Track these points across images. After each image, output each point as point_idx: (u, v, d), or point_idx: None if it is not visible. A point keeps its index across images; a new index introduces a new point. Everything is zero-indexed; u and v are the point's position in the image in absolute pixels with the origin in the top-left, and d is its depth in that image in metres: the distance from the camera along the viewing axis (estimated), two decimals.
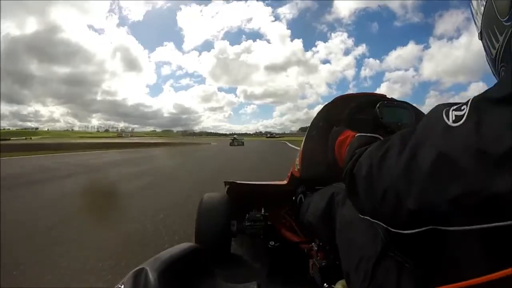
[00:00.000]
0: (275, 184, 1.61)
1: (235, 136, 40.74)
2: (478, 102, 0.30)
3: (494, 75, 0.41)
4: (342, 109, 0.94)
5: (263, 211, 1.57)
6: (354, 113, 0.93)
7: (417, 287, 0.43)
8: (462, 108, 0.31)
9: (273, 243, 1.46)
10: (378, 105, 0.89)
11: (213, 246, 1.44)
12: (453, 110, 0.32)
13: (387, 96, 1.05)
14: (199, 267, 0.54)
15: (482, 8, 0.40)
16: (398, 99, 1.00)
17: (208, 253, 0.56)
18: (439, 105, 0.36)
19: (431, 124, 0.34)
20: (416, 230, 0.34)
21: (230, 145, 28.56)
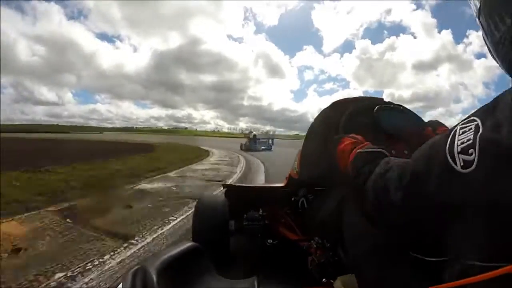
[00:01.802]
0: (272, 186, 1.63)
1: (254, 133, 19.39)
2: (487, 148, 0.28)
3: (494, 58, 0.39)
4: (341, 113, 0.95)
5: (260, 211, 1.60)
6: (352, 117, 0.94)
7: (421, 283, 0.44)
8: (470, 151, 0.29)
9: (271, 241, 1.48)
10: (376, 109, 0.90)
11: (211, 245, 1.44)
12: (459, 153, 0.30)
13: (385, 100, 1.07)
14: (198, 265, 0.54)
15: None
16: (395, 103, 1.01)
17: (207, 252, 0.57)
18: (437, 140, 0.34)
19: (435, 167, 0.32)
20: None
21: (242, 149, 16.13)
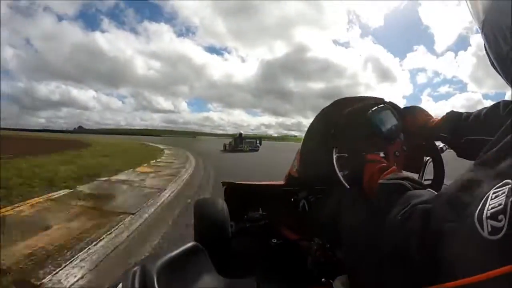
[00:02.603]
0: (273, 184, 1.64)
1: (240, 132, 19.83)
2: None
3: (498, 73, 0.38)
4: (340, 112, 0.96)
5: (261, 210, 1.61)
6: (352, 116, 0.95)
7: (419, 283, 0.44)
8: (500, 218, 0.27)
9: (272, 240, 1.49)
10: (369, 113, 0.91)
11: (212, 245, 1.45)
12: (487, 218, 0.28)
13: (384, 99, 1.07)
14: (199, 265, 0.54)
15: None
16: (394, 103, 1.01)
17: (208, 251, 0.57)
18: (471, 201, 0.32)
19: (462, 231, 0.31)
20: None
21: (226, 149, 15.92)
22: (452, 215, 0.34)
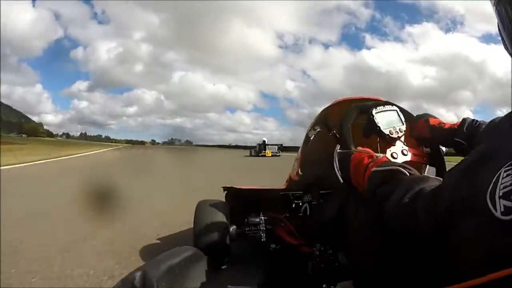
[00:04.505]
0: (273, 189, 1.63)
1: (264, 139, 23.44)
2: None
3: (508, 51, 0.37)
4: (340, 114, 0.96)
5: (261, 215, 1.59)
6: (354, 112, 0.94)
7: (421, 286, 0.44)
8: None
9: (272, 245, 1.48)
10: (372, 112, 0.91)
11: (212, 251, 1.44)
12: (500, 197, 0.28)
13: (382, 99, 1.07)
14: (198, 270, 0.54)
15: None
16: (392, 102, 1.01)
17: (208, 257, 0.56)
18: (480, 178, 0.32)
19: (474, 209, 0.31)
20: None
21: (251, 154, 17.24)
22: (464, 192, 0.33)
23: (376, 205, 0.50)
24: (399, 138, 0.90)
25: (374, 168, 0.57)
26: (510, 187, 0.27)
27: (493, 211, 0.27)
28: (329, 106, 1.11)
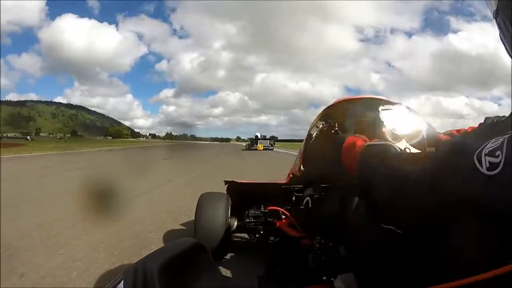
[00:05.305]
0: (275, 183, 1.65)
1: (256, 134, 25.07)
2: None
3: (510, 56, 0.38)
4: (342, 112, 0.95)
5: (262, 208, 1.60)
6: (355, 115, 0.94)
7: (420, 281, 0.44)
8: (497, 154, 0.28)
9: (273, 238, 1.50)
10: (378, 110, 0.90)
11: (213, 243, 1.46)
12: (485, 155, 0.30)
13: (385, 99, 1.06)
14: (200, 262, 0.54)
15: None
16: (395, 102, 1.00)
17: (209, 249, 0.57)
18: (468, 141, 0.33)
19: (461, 167, 0.32)
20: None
21: (246, 148, 18.56)
22: (451, 155, 0.35)
23: (366, 179, 0.50)
24: (403, 137, 0.89)
25: (368, 143, 0.59)
26: (495, 146, 0.29)
27: (479, 167, 0.29)
28: (330, 105, 1.12)
